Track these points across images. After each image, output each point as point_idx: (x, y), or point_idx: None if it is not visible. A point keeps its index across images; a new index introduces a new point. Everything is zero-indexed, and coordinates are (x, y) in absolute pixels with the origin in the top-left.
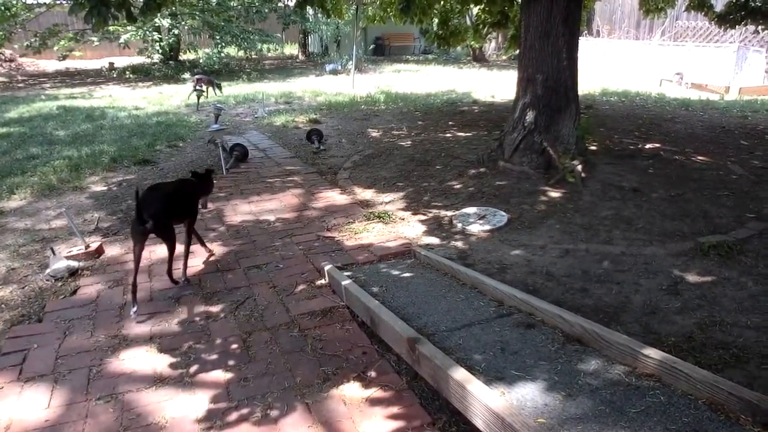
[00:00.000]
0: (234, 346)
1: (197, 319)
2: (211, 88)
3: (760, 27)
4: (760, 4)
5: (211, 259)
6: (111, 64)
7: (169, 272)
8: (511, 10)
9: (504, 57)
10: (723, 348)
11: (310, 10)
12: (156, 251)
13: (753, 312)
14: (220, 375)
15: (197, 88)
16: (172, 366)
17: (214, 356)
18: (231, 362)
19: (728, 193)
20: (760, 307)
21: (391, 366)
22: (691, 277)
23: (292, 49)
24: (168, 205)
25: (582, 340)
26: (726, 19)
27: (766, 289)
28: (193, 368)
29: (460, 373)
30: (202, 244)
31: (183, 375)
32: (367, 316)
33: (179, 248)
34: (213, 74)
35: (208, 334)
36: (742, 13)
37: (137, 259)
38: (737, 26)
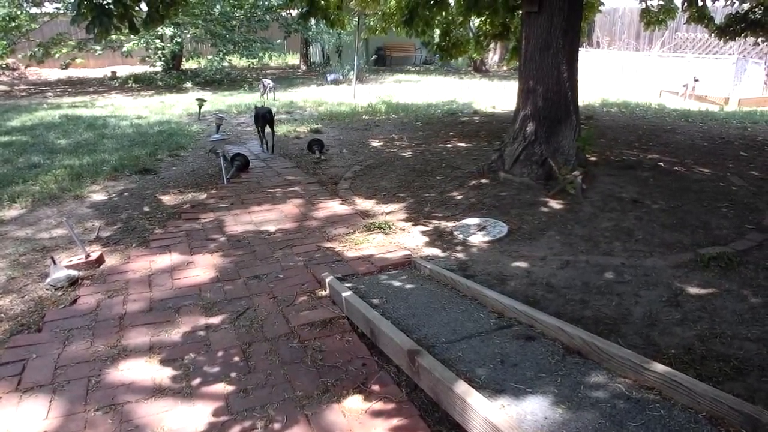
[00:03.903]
0: (234, 357)
1: (197, 329)
2: (269, 92)
3: (759, 39)
4: (759, 17)
5: (211, 269)
6: (113, 73)
7: (272, 147)
8: (512, 22)
9: (505, 68)
10: (723, 360)
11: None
12: (156, 261)
13: (753, 324)
14: (220, 386)
15: (266, 86)
16: (172, 377)
17: (214, 367)
18: (231, 373)
19: (728, 204)
20: (761, 318)
21: (391, 378)
22: (692, 289)
23: (293, 59)
24: (269, 113)
25: (582, 353)
26: (726, 32)
27: (767, 301)
28: (193, 379)
29: (459, 386)
30: (271, 140)
31: (183, 386)
32: (367, 327)
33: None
34: (215, 83)
35: (208, 344)
36: (742, 25)
37: (259, 134)
38: (737, 38)
